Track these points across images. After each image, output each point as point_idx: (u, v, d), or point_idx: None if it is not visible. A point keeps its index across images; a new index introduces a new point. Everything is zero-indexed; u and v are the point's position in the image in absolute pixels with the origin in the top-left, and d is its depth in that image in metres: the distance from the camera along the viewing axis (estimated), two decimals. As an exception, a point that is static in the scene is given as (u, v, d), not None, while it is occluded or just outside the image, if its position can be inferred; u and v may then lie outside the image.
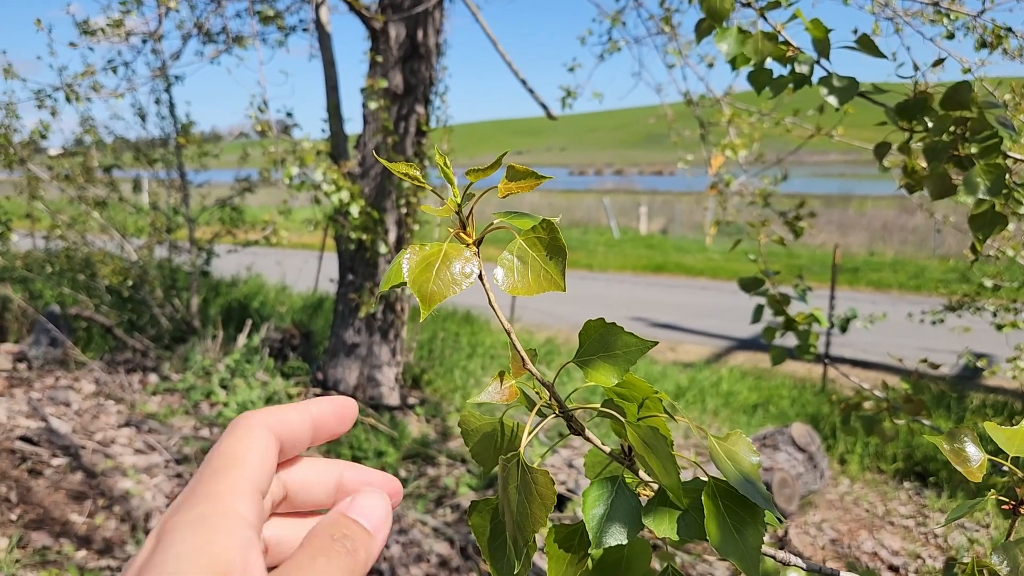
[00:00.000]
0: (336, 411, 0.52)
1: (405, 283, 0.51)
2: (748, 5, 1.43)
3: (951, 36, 3.48)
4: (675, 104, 6.40)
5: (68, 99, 5.26)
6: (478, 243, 0.53)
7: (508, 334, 0.55)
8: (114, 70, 5.74)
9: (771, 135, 5.07)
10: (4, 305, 7.58)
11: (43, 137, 5.98)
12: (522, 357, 0.57)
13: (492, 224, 0.53)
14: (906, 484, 5.57)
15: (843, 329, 4.34)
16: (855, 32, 3.68)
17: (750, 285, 2.06)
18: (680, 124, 6.56)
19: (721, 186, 4.89)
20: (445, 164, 0.53)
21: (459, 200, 0.53)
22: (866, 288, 13.20)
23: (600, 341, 0.56)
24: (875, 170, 1.97)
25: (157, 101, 7.31)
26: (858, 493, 5.43)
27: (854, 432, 1.82)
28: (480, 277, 0.51)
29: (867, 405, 1.84)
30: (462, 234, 0.53)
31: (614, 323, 0.56)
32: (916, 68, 1.36)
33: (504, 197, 0.53)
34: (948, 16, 3.39)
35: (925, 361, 1.98)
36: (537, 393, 0.59)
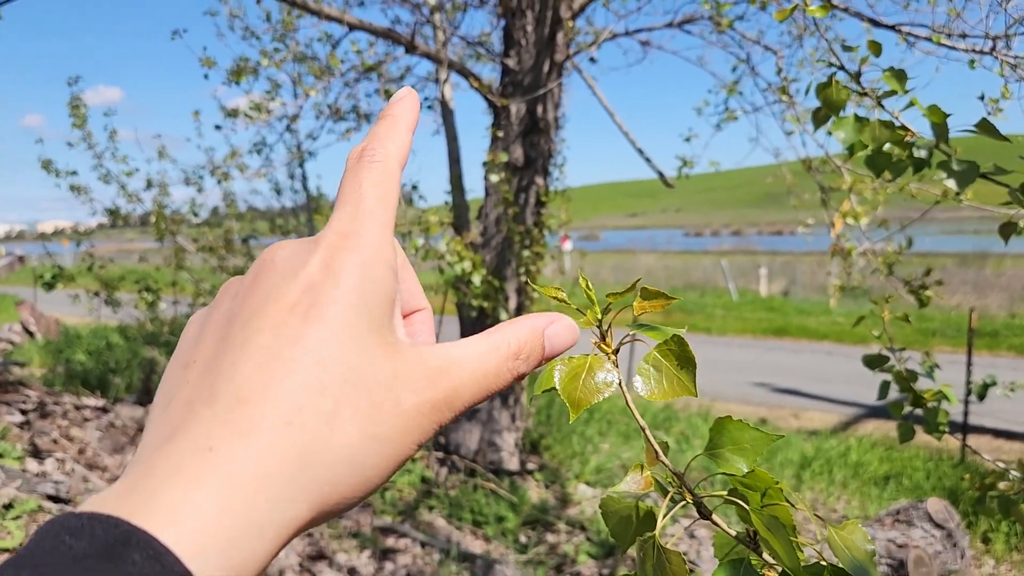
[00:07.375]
0: None
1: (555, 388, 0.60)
2: (865, 94, 1.47)
3: (1088, 95, 3.36)
4: (793, 164, 6.34)
5: (219, 181, 5.72)
6: (616, 352, 0.62)
7: (643, 431, 0.63)
8: (258, 151, 6.21)
9: (897, 196, 4.95)
10: (152, 367, 8.14)
11: (195, 215, 6.50)
12: (656, 450, 0.64)
13: (628, 335, 0.62)
14: (1059, 567, 5.18)
15: (981, 397, 4.14)
16: (981, 98, 3.61)
17: (875, 362, 2.05)
18: (799, 186, 6.48)
19: (843, 253, 4.80)
20: (587, 287, 0.62)
21: (600, 316, 0.61)
22: (1007, 353, 12.44)
23: (729, 436, 0.64)
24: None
25: (291, 176, 7.82)
26: (1005, 575, 5.09)
27: (991, 512, 1.76)
28: (620, 385, 0.60)
29: (1003, 484, 1.79)
30: (602, 345, 0.62)
31: (741, 420, 0.63)
32: (1038, 151, 1.37)
33: (639, 315, 0.62)
34: (1085, 75, 3.28)
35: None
36: (669, 481, 0.66)
